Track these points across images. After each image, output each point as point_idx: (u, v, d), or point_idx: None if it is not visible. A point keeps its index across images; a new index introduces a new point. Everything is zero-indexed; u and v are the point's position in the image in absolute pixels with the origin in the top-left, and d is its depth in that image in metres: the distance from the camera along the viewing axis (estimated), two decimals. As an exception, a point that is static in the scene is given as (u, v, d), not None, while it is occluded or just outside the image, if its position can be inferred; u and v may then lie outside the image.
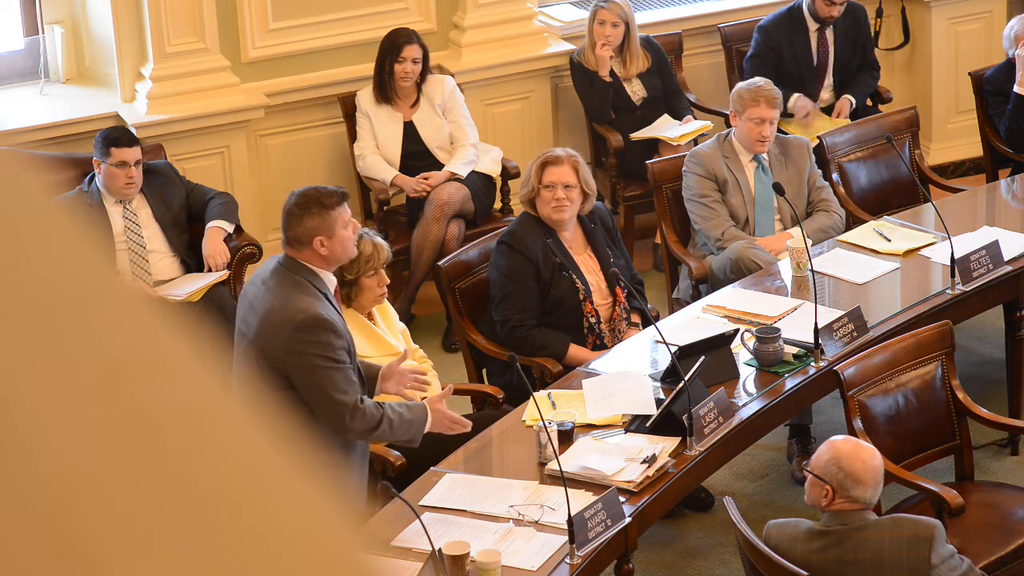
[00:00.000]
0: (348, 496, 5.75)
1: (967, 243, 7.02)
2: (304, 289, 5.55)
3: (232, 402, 1.07)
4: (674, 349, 6.06)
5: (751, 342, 6.33)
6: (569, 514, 5.21)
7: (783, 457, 7.06)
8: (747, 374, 6.29)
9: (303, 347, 5.47)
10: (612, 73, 8.63)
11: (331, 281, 5.66)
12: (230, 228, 7.45)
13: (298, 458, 1.07)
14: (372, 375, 5.80)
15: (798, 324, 6.48)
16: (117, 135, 7.37)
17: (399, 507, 5.30)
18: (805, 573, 5.08)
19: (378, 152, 8.20)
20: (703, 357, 5.92)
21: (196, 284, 7.28)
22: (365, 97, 8.21)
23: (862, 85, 8.89)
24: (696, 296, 7.26)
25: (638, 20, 8.79)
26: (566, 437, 5.77)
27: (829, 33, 8.82)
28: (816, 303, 6.36)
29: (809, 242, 6.86)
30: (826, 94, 8.88)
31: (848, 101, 8.79)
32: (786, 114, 8.58)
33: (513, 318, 6.66)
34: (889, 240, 7.23)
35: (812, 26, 8.79)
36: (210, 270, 7.34)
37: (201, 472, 1.04)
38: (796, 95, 8.67)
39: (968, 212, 7.66)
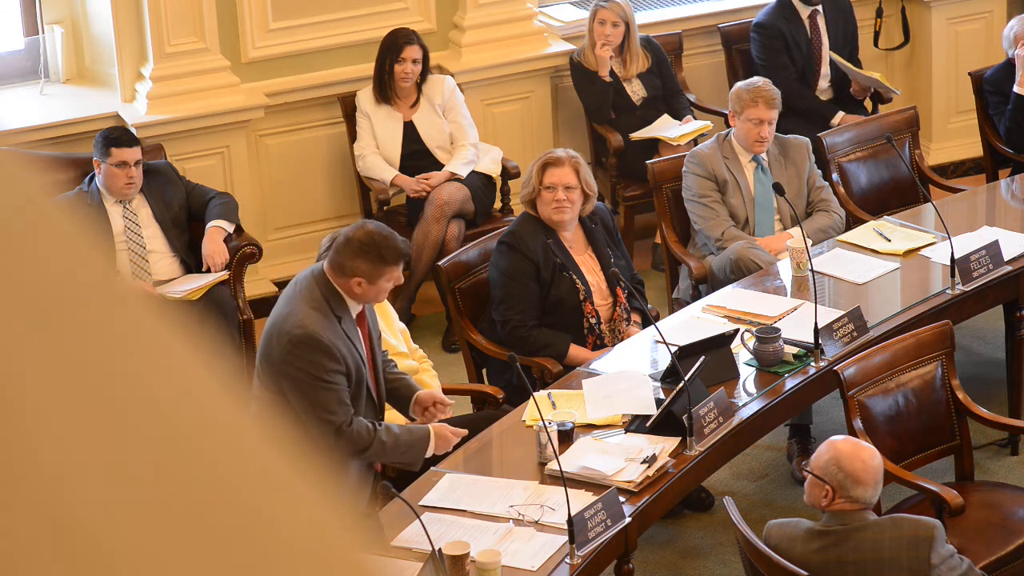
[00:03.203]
0: (346, 495, 5.75)
1: (967, 243, 7.02)
2: (317, 306, 5.61)
3: (232, 401, 1.07)
4: (674, 349, 6.06)
5: (751, 342, 6.32)
6: (569, 514, 5.20)
7: (783, 457, 7.06)
8: (747, 374, 6.28)
9: (294, 360, 5.55)
10: (612, 73, 8.62)
11: (354, 308, 5.71)
12: (230, 228, 7.45)
13: (298, 458, 1.07)
14: (407, 395, 5.89)
15: (798, 324, 6.47)
16: (117, 135, 7.36)
17: (399, 507, 5.30)
18: (805, 573, 5.08)
19: (378, 152, 8.19)
20: (703, 357, 5.92)
21: (196, 283, 7.27)
22: (365, 97, 8.21)
23: None
24: (696, 296, 7.25)
25: (638, 20, 8.79)
26: (566, 437, 5.77)
27: (821, 20, 8.87)
28: (816, 303, 6.35)
29: (809, 242, 6.86)
30: (824, 83, 8.90)
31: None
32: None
33: (513, 318, 6.65)
34: (889, 240, 7.23)
35: (804, 12, 8.83)
36: (209, 270, 7.34)
37: (202, 471, 1.04)
38: (840, 114, 8.74)
39: (968, 212, 7.66)
